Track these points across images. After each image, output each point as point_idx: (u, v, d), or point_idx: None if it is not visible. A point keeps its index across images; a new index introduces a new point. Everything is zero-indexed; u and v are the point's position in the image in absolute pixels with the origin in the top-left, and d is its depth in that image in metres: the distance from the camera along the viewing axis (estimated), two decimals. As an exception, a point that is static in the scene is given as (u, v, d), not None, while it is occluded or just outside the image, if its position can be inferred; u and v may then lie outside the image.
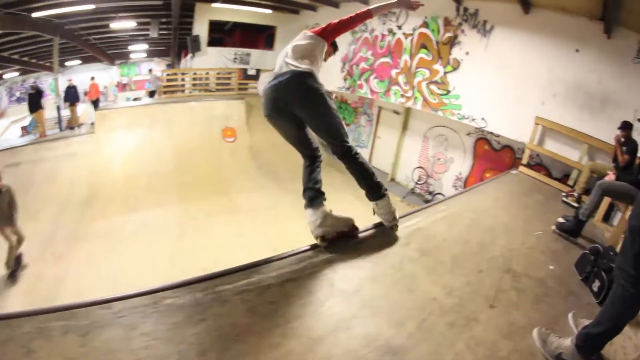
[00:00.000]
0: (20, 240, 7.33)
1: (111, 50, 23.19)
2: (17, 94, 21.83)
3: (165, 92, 14.32)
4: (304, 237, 6.94)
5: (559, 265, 3.50)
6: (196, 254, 7.42)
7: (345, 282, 2.58)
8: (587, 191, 5.81)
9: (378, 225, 3.40)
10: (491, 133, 9.40)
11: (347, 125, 14.63)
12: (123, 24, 16.12)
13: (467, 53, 8.91)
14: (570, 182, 6.95)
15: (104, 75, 25.39)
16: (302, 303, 2.33)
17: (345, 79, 12.85)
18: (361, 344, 1.99)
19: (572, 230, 4.23)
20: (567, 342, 2.11)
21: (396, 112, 12.39)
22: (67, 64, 21.18)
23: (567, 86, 7.18)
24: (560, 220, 4.44)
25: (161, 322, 2.00)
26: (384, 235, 3.29)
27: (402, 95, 10.60)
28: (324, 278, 2.61)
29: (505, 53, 8.15)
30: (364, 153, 13.50)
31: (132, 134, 11.57)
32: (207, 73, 15.24)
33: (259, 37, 18.91)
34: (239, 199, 10.04)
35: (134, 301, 2.12)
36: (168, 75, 15.32)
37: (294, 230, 7.79)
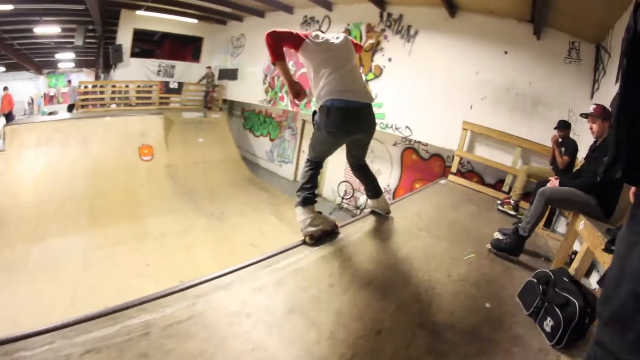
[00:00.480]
0: None
1: (38, 58, 20.90)
2: None
3: (82, 106, 12.67)
4: (212, 265, 6.32)
5: (498, 299, 2.65)
6: (100, 287, 6.53)
7: None
8: (524, 196, 5.25)
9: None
10: (419, 142, 8.78)
11: (272, 140, 13.81)
12: (47, 29, 14.21)
13: (390, 59, 8.27)
14: (505, 188, 6.38)
15: (31, 85, 23.14)
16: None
17: (266, 92, 11.94)
18: None
19: (511, 248, 3.43)
20: None
21: None
22: None
23: (496, 89, 6.68)
24: (497, 236, 3.63)
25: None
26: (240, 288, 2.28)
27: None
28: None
29: (430, 58, 7.57)
30: (289, 169, 12.94)
31: (44, 152, 10.29)
32: (126, 86, 13.70)
33: (187, 49, 17.63)
34: (150, 224, 8.98)
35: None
36: (85, 87, 13.57)
37: (203, 258, 7.46)
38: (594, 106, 3.35)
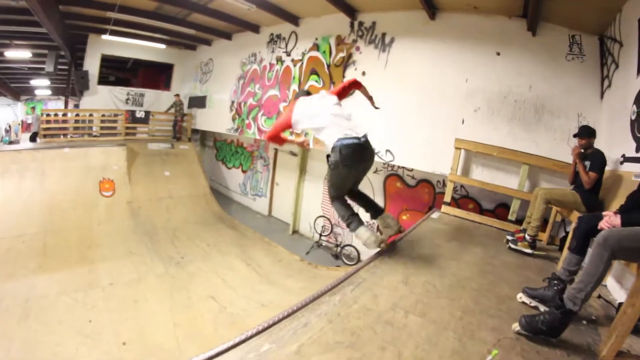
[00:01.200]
0: None
1: (14, 84, 20.15)
2: None
3: (45, 136, 11.47)
4: (161, 328, 5.80)
5: None
6: (35, 345, 5.49)
7: None
8: (543, 227, 4.01)
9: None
10: (403, 167, 7.40)
11: (244, 172, 12.51)
12: (18, 54, 13.43)
13: (363, 73, 6.95)
14: (511, 217, 5.02)
15: (9, 112, 22.42)
16: None
17: (233, 119, 10.64)
18: None
19: (552, 328, 2.02)
20: None
21: (293, 154, 10.31)
22: None
23: (490, 97, 5.40)
24: (525, 300, 2.28)
25: None
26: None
27: (292, 133, 8.32)
28: None
29: (410, 68, 6.29)
30: (262, 203, 11.06)
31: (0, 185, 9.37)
32: (90, 115, 12.45)
33: (161, 77, 16.59)
34: (101, 270, 7.71)
35: None
36: (47, 116, 12.42)
37: (152, 316, 6.19)
38: None
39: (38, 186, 9.61)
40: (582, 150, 3.64)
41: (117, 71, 17.17)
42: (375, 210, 3.69)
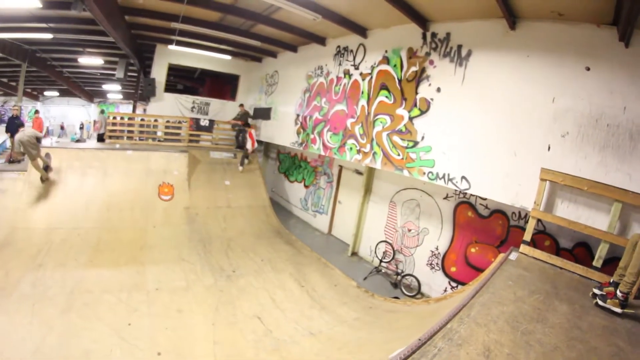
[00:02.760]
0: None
1: (88, 87, 22.25)
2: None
3: (110, 137, 12.40)
4: (200, 344, 5.83)
5: None
6: (71, 338, 5.67)
7: None
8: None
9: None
10: (475, 195, 6.85)
11: (307, 187, 12.52)
12: (90, 60, 14.79)
13: (438, 89, 6.56)
14: (596, 263, 4.39)
15: (83, 112, 24.79)
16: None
17: (298, 133, 10.66)
18: None
19: None
20: None
21: (358, 172, 10.13)
22: (46, 93, 20.57)
23: (579, 120, 4.82)
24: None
25: None
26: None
27: (359, 151, 8.16)
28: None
29: (488, 84, 5.84)
30: (323, 220, 10.88)
31: (63, 179, 10.12)
32: (155, 120, 13.23)
33: (227, 87, 17.35)
34: (150, 274, 7.95)
35: None
36: (114, 118, 13.44)
37: (193, 330, 6.27)
38: None
39: (99, 184, 10.26)
40: None
41: (185, 80, 18.40)
42: None
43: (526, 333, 2.78)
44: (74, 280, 7.52)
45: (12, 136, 11.47)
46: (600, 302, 3.40)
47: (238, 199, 11.24)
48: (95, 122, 23.99)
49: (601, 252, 4.42)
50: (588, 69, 4.81)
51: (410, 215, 8.47)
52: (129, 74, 14.39)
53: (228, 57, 13.20)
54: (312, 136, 9.92)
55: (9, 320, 6.02)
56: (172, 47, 11.95)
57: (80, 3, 7.33)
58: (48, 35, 11.30)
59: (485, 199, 6.87)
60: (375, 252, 9.16)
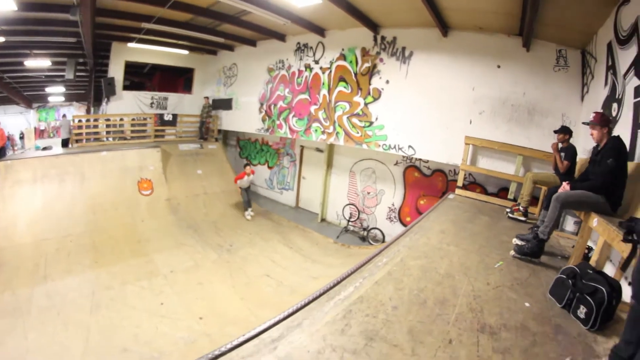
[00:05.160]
0: None
1: (28, 92, 21.23)
2: None
3: (77, 141, 12.64)
4: (231, 303, 6.84)
5: (533, 297, 2.96)
6: (113, 330, 6.31)
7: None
8: (532, 201, 5.70)
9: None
10: (420, 159, 9.14)
11: (270, 168, 14.13)
12: (38, 63, 14.37)
13: (387, 82, 8.68)
14: (511, 196, 6.77)
15: (21, 119, 23.27)
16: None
17: (263, 120, 12.27)
18: None
19: (533, 252, 3.76)
20: None
21: (319, 150, 11.99)
22: None
23: (492, 102, 7.14)
24: (517, 242, 4.00)
25: None
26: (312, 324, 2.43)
27: (323, 132, 10.14)
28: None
29: (426, 77, 8.03)
30: (290, 196, 13.30)
31: (40, 189, 10.17)
32: (121, 119, 13.82)
33: (179, 80, 18.02)
34: (158, 261, 8.85)
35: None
36: (79, 121, 13.50)
37: (218, 293, 7.35)
38: (594, 114, 3.68)
39: (78, 188, 10.40)
40: (560, 144, 5.33)
41: (132, 75, 18.14)
42: None
43: (463, 229, 4.94)
44: (88, 281, 8.04)
45: None
46: (510, 215, 5.70)
47: (212, 186, 12.35)
48: (37, 128, 22.89)
49: (512, 188, 6.83)
50: (499, 66, 7.13)
51: (368, 180, 10.60)
52: (78, 74, 14.35)
53: (186, 52, 14.10)
54: (278, 122, 11.59)
55: (42, 335, 6.35)
56: (132, 44, 12.59)
57: (77, 9, 8.01)
58: (0, 39, 11.08)
59: (427, 161, 9.14)
60: (343, 214, 11.15)
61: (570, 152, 5.12)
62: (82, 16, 8.36)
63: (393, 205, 10.06)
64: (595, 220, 3.26)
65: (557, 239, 4.92)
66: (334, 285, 3.03)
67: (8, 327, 6.69)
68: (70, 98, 22.93)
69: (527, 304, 2.84)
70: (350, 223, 10.83)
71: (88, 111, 16.60)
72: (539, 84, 6.74)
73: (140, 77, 18.60)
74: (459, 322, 2.55)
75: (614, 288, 2.51)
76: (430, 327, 2.47)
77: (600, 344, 2.34)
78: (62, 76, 15.84)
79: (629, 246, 2.53)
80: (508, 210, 5.83)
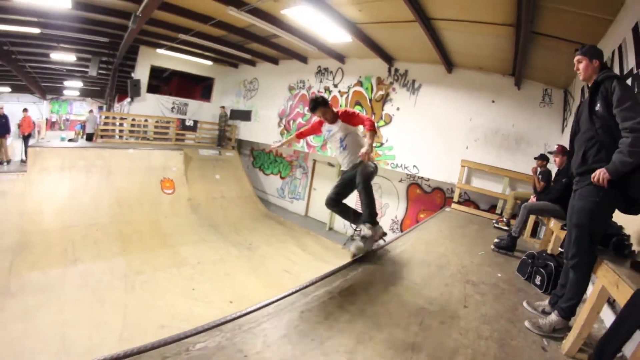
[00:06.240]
0: None
1: (45, 83, 21.79)
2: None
3: (102, 137, 13.43)
4: (256, 290, 7.65)
5: (505, 272, 4.32)
6: (149, 310, 7.02)
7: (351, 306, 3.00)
8: (514, 216, 6.84)
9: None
10: (422, 178, 10.52)
11: (283, 178, 15.35)
12: (63, 56, 15.15)
13: (398, 109, 10.11)
14: (498, 211, 8.12)
15: (34, 109, 22.74)
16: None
17: (282, 134, 13.51)
18: (385, 347, 2.43)
19: (508, 246, 5.17)
20: (554, 317, 2.84)
21: (330, 165, 13.30)
22: None
23: (486, 131, 8.55)
24: (497, 240, 5.40)
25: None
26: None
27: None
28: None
29: (432, 107, 9.43)
30: (300, 205, 14.70)
31: (67, 178, 10.69)
32: (145, 120, 14.85)
33: (196, 87, 19.28)
34: (185, 252, 9.70)
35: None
36: (106, 118, 14.51)
37: (245, 283, 8.27)
38: (557, 146, 5.25)
39: (105, 181, 11.04)
40: (539, 169, 6.54)
41: (151, 78, 19.07)
42: (370, 217, 4.37)
43: (456, 231, 6.38)
44: (119, 266, 8.68)
45: (0, 136, 11.92)
46: (495, 225, 7.10)
47: (229, 191, 13.37)
48: (48, 120, 23.57)
49: (499, 204, 8.18)
50: (493, 101, 8.50)
51: (375, 194, 11.82)
52: (99, 72, 14.96)
53: (210, 63, 15.40)
54: None
55: (78, 310, 6.89)
56: (160, 50, 13.65)
57: (137, 18, 8.95)
58: (36, 30, 11.64)
59: (428, 180, 10.54)
60: (350, 224, 12.33)
61: (546, 175, 6.32)
62: (136, 24, 9.23)
63: (396, 217, 11.47)
64: (552, 222, 4.68)
65: (532, 244, 6.25)
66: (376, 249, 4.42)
67: (42, 302, 7.29)
68: (85, 93, 23.75)
69: (499, 275, 4.23)
70: (356, 232, 11.94)
71: (103, 108, 17.40)
72: (526, 117, 8.06)
73: (158, 80, 19.42)
74: (452, 277, 3.95)
75: (560, 263, 3.85)
76: (434, 277, 3.87)
77: (547, 298, 3.68)
78: (82, 71, 16.85)
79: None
80: (494, 221, 7.23)
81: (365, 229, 4.16)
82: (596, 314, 2.53)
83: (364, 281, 3.46)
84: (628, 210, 2.57)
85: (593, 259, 2.63)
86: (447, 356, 2.40)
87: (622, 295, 2.13)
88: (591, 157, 2.61)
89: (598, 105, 2.58)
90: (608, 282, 2.37)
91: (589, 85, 2.75)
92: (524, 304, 3.38)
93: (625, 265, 2.39)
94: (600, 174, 2.45)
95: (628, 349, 2.28)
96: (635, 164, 2.35)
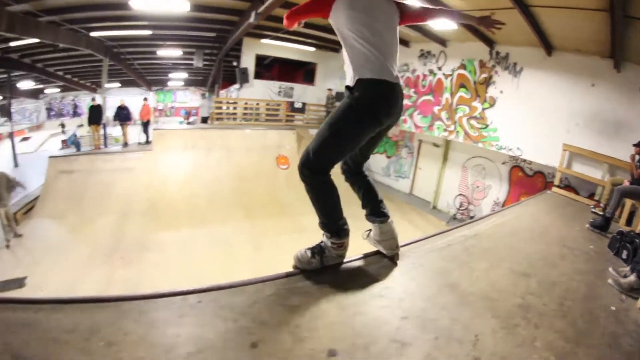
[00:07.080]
0: (8, 218, 9.33)
1: (150, 76, 24.58)
2: (55, 109, 24.07)
3: (217, 119, 15.48)
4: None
5: (596, 246, 5.07)
6: (277, 265, 7.36)
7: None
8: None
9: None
10: (524, 161, 10.85)
11: (389, 157, 16.35)
12: (170, 52, 17.24)
13: (501, 91, 10.54)
14: (597, 197, 8.31)
15: (140, 100, 25.21)
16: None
17: None
18: (508, 272, 3.43)
19: (601, 225, 5.80)
20: (633, 278, 3.61)
21: (436, 145, 14.00)
22: (106, 85, 21.45)
23: (585, 116, 8.70)
24: (591, 220, 6.06)
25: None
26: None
27: (445, 130, 12.19)
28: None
29: (533, 90, 9.75)
30: (405, 183, 15.92)
31: (189, 156, 12.21)
32: (257, 104, 16.65)
33: (298, 72, 20.58)
34: (305, 221, 9.69)
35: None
36: (219, 103, 16.68)
37: (367, 247, 9.16)
38: None
39: (225, 159, 12.45)
40: (638, 156, 6.79)
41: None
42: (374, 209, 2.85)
43: (555, 210, 7.04)
44: (244, 229, 10.02)
45: (122, 124, 13.87)
46: (592, 210, 7.55)
47: (337, 168, 14.35)
48: (164, 109, 26.85)
49: (598, 190, 8.38)
50: (593, 85, 8.53)
51: (478, 175, 12.57)
52: (204, 62, 17.05)
53: (312, 49, 16.61)
54: (403, 117, 13.51)
55: (212, 261, 8.06)
56: (265, 40, 15.04)
57: (258, 15, 10.08)
58: (147, 32, 13.40)
59: (530, 163, 10.83)
60: (454, 203, 13.17)
61: (645, 162, 6.82)
62: (257, 20, 10.34)
63: (498, 199, 11.99)
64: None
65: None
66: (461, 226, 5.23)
67: (173, 257, 8.74)
68: (188, 83, 26.41)
69: (591, 247, 5.02)
70: (459, 211, 12.84)
71: (217, 94, 19.54)
72: (626, 103, 7.92)
73: (260, 67, 20.43)
74: (546, 243, 4.82)
75: (644, 241, 4.59)
76: (538, 241, 4.81)
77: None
78: (185, 64, 18.91)
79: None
80: (592, 206, 7.63)
81: (324, 239, 2.68)
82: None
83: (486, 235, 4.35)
84: None
85: None
86: (550, 284, 3.34)
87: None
88: None
89: None
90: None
91: None
92: (610, 269, 4.15)
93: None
94: None
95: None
96: None
